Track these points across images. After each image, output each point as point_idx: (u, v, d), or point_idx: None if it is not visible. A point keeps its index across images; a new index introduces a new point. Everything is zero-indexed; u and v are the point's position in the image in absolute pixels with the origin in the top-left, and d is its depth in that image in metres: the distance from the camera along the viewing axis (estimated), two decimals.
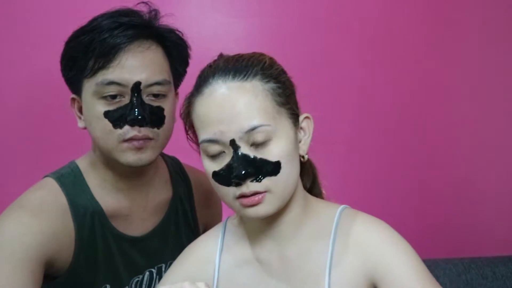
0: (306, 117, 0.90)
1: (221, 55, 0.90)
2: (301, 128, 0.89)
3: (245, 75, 0.83)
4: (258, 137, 0.80)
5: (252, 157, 0.81)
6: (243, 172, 0.79)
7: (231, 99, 0.81)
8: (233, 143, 0.81)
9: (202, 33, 1.62)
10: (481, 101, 1.77)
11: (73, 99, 1.08)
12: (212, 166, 0.84)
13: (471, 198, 1.79)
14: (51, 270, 1.02)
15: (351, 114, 1.71)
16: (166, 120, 1.04)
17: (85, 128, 1.07)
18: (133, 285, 1.14)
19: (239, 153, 0.80)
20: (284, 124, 0.84)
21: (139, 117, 0.99)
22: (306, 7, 1.69)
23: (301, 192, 0.91)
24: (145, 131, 1.01)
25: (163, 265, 1.17)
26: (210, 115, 0.82)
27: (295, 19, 1.68)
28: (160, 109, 1.03)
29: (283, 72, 0.89)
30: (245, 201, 0.81)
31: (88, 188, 1.08)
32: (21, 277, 0.92)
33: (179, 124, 1.12)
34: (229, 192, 0.83)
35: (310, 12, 1.69)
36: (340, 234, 0.87)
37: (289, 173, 0.83)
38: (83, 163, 1.11)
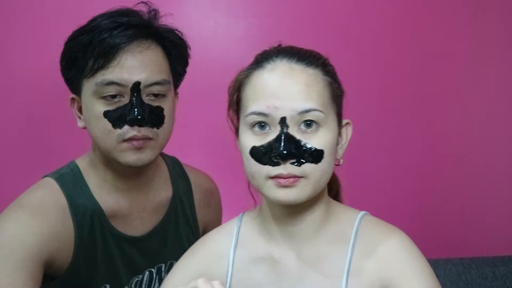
0: (347, 123, 0.91)
1: (280, 45, 0.91)
2: (340, 132, 0.89)
3: (309, 62, 0.84)
4: (309, 120, 0.81)
5: (298, 139, 0.80)
6: (285, 151, 0.78)
7: (294, 77, 0.81)
8: (283, 121, 0.80)
9: (202, 33, 1.62)
10: (481, 101, 1.77)
11: (72, 99, 1.08)
12: (252, 141, 0.82)
13: (471, 198, 1.79)
14: (51, 270, 1.02)
15: (351, 113, 1.71)
16: (165, 120, 1.04)
17: (84, 128, 1.07)
18: (132, 285, 1.14)
19: (286, 132, 0.80)
20: (333, 119, 0.85)
21: (139, 117, 0.99)
22: (305, 7, 1.68)
23: (326, 195, 0.91)
24: (144, 131, 1.01)
25: (163, 265, 1.17)
26: (268, 88, 0.81)
27: (295, 19, 1.68)
28: (160, 109, 1.03)
29: (336, 74, 0.90)
30: (281, 180, 0.80)
31: (88, 188, 1.08)
32: (20, 277, 0.92)
33: (179, 124, 1.13)
34: (262, 171, 0.81)
35: (310, 12, 1.69)
36: (359, 240, 0.87)
37: (328, 166, 0.83)
38: (82, 163, 1.11)
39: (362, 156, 1.73)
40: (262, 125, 0.82)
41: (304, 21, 1.68)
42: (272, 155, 0.80)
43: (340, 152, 0.89)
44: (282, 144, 0.79)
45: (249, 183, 0.89)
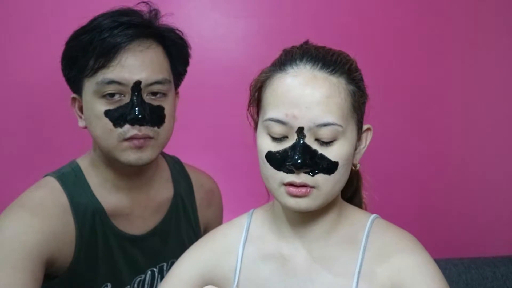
0: (368, 129, 0.90)
1: (307, 42, 0.90)
2: (360, 138, 0.88)
3: (333, 70, 0.82)
4: (327, 134, 0.79)
5: (314, 149, 0.80)
6: (299, 161, 0.78)
7: (315, 86, 0.79)
8: (300, 131, 0.79)
9: (202, 33, 1.62)
10: (481, 102, 1.77)
11: (73, 98, 1.08)
12: (268, 145, 0.82)
13: (471, 198, 1.79)
14: (52, 269, 1.02)
15: None
16: (166, 119, 1.04)
17: (85, 127, 1.07)
18: (135, 285, 1.14)
19: (302, 142, 0.79)
20: (352, 129, 0.83)
21: (140, 116, 0.99)
22: (306, 7, 1.69)
23: (339, 198, 0.91)
24: (145, 130, 1.01)
25: (165, 264, 1.17)
26: (289, 95, 0.79)
27: (295, 19, 1.68)
28: (161, 108, 1.03)
29: (362, 79, 0.88)
30: (293, 189, 0.80)
31: (89, 187, 1.08)
32: (21, 277, 0.92)
33: (179, 124, 1.13)
34: (276, 177, 0.81)
35: (310, 12, 1.69)
36: (370, 244, 0.87)
37: (342, 176, 0.82)
38: (84, 162, 1.11)
39: (362, 157, 1.74)
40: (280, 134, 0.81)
41: (304, 21, 1.69)
42: (286, 163, 0.79)
43: (358, 157, 0.89)
44: (298, 153, 0.78)
45: None
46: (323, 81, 0.80)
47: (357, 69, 0.86)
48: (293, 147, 0.79)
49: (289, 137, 0.80)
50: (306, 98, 0.79)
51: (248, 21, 1.66)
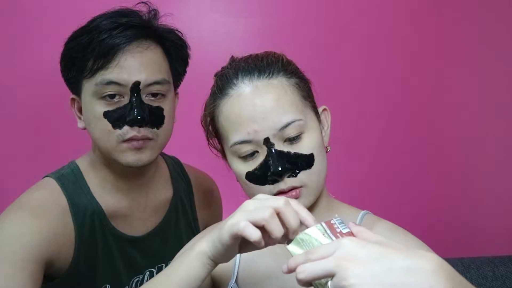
0: (324, 109, 0.91)
1: (233, 57, 0.90)
2: (320, 120, 0.89)
3: (269, 73, 0.83)
4: (292, 132, 0.81)
5: (287, 152, 0.81)
6: (280, 168, 0.79)
7: (261, 96, 0.81)
8: (267, 141, 0.80)
9: (202, 33, 1.63)
10: (480, 100, 1.77)
11: (73, 99, 1.08)
12: (244, 167, 0.83)
13: (471, 198, 1.79)
14: (51, 270, 1.02)
15: (351, 113, 1.71)
16: (165, 120, 1.04)
17: (85, 128, 1.07)
18: (133, 285, 1.14)
19: (274, 150, 0.80)
20: (311, 116, 0.85)
21: (139, 117, 0.99)
22: (306, 7, 1.69)
23: (326, 191, 0.92)
24: (144, 131, 1.01)
25: (163, 265, 1.17)
26: (242, 115, 0.81)
27: (295, 19, 1.68)
28: (160, 109, 1.03)
29: (298, 68, 0.89)
30: (284, 196, 0.80)
31: (88, 188, 1.08)
32: (21, 278, 0.92)
33: (179, 124, 1.13)
34: (263, 191, 0.82)
35: (310, 12, 1.69)
36: None
37: (321, 164, 0.84)
38: (83, 163, 1.11)
39: (361, 156, 1.74)
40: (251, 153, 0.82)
41: (304, 21, 1.69)
42: (268, 176, 0.81)
43: (326, 139, 0.90)
44: (275, 162, 0.80)
45: None
46: (266, 88, 0.82)
47: (289, 62, 0.88)
48: (268, 159, 0.80)
49: (259, 151, 0.82)
50: (258, 110, 0.80)
51: (248, 21, 1.66)
